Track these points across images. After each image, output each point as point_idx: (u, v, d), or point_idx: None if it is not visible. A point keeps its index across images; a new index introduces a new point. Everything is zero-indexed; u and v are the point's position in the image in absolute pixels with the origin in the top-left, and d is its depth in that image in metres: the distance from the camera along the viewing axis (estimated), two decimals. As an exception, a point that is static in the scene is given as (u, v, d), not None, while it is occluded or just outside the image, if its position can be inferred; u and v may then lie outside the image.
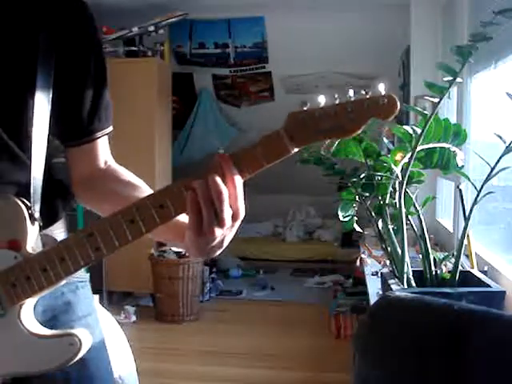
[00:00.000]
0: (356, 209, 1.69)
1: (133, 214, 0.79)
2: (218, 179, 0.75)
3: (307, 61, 4.70)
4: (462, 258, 1.63)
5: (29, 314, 0.86)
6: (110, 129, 1.07)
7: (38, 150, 0.93)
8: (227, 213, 0.76)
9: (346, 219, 1.66)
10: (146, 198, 0.81)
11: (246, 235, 5.55)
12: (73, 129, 1.02)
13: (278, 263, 5.54)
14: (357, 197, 1.66)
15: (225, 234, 0.80)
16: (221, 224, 0.77)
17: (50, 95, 0.94)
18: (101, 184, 1.04)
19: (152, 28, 4.10)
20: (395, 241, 1.62)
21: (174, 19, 4.16)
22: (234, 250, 5.33)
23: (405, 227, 1.58)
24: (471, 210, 1.57)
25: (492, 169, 1.49)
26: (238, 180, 0.77)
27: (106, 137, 1.06)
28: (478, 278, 1.63)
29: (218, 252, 0.84)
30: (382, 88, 0.75)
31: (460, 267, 1.60)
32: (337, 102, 0.76)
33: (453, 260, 1.62)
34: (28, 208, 0.88)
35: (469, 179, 1.58)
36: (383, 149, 2.01)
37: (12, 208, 0.87)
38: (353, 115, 0.74)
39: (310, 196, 5.81)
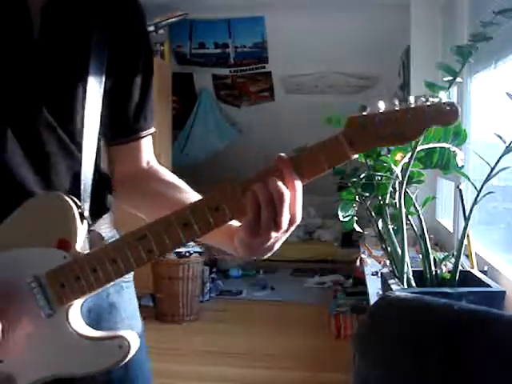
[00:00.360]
0: (356, 209, 1.69)
1: (187, 217, 0.78)
2: (280, 183, 0.75)
3: (307, 61, 4.70)
4: (462, 258, 1.63)
5: (76, 315, 0.86)
6: (153, 129, 1.07)
7: (88, 144, 0.94)
8: (286, 217, 0.76)
9: (346, 219, 1.66)
10: (200, 200, 0.80)
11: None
12: (119, 127, 1.02)
13: (277, 263, 5.53)
14: (357, 197, 1.66)
15: (279, 237, 0.79)
16: (277, 227, 0.76)
17: (102, 89, 0.94)
18: (143, 184, 1.04)
19: (152, 28, 4.10)
20: (395, 241, 1.62)
21: (174, 19, 4.16)
22: (233, 249, 5.33)
23: (405, 227, 1.58)
24: (471, 210, 1.57)
25: (492, 169, 1.49)
26: (298, 184, 0.76)
27: (150, 137, 1.06)
28: (478, 278, 1.63)
29: (268, 255, 0.83)
30: (443, 95, 0.75)
31: (460, 267, 1.60)
32: (397, 108, 0.74)
33: (453, 260, 1.62)
34: (78, 207, 0.87)
35: (469, 179, 1.58)
36: (383, 149, 2.01)
37: (62, 206, 0.86)
38: (413, 122, 0.73)
39: (310, 196, 5.81)
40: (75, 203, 0.87)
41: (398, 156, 1.55)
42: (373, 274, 2.32)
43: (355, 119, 0.75)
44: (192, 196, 0.97)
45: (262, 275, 5.26)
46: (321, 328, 3.85)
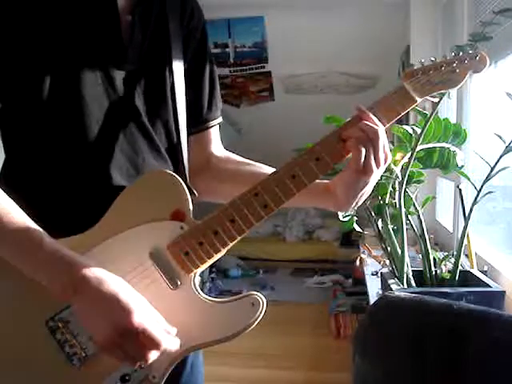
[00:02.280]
0: (356, 208, 1.68)
1: (294, 170, 0.86)
2: (371, 123, 0.86)
3: (307, 61, 4.70)
4: (462, 258, 1.63)
5: (198, 281, 0.86)
6: (221, 119, 1.11)
7: (183, 127, 0.99)
8: (382, 152, 0.86)
9: (346, 219, 1.66)
10: (301, 154, 0.88)
11: (246, 235, 5.54)
12: (193, 117, 1.05)
13: (277, 263, 5.54)
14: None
15: (375, 176, 0.88)
16: (378, 163, 0.87)
17: (183, 74, 0.99)
18: (221, 168, 1.08)
19: (152, 28, 4.10)
20: (395, 241, 1.62)
21: (173, 19, 4.16)
22: (233, 249, 5.31)
23: (405, 227, 1.58)
24: (471, 210, 1.57)
25: (492, 168, 1.49)
26: (381, 127, 0.87)
27: (218, 126, 1.11)
28: (478, 278, 1.63)
29: (363, 199, 0.94)
30: (470, 47, 1.00)
31: (460, 267, 1.60)
32: (443, 60, 0.92)
33: (453, 260, 1.62)
34: (184, 180, 0.91)
35: (469, 179, 1.58)
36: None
37: (170, 181, 0.88)
38: (457, 69, 0.91)
39: (310, 196, 5.80)
40: (181, 177, 0.89)
41: (398, 156, 1.55)
42: (372, 274, 2.32)
43: (410, 71, 0.91)
44: (269, 169, 1.01)
45: (261, 275, 5.26)
46: (320, 328, 3.85)
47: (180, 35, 0.99)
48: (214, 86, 1.08)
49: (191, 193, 0.92)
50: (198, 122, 1.06)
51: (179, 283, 0.84)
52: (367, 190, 0.91)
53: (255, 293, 0.85)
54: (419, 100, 0.90)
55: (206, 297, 0.85)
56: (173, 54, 0.96)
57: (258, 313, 0.84)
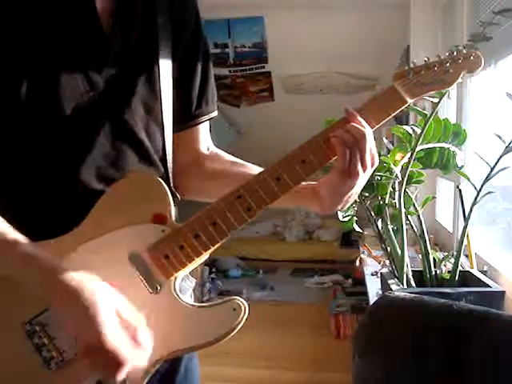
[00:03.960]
0: (356, 209, 1.69)
1: (278, 172, 0.85)
2: (357, 125, 0.85)
3: (307, 61, 4.70)
4: (462, 258, 1.63)
5: (179, 286, 0.85)
6: (215, 113, 1.08)
7: (168, 126, 0.96)
8: (368, 154, 0.85)
9: (346, 219, 1.66)
10: (287, 156, 0.86)
11: (246, 235, 5.55)
12: (182, 113, 1.02)
13: (277, 263, 5.54)
14: (356, 197, 1.66)
15: (362, 179, 0.87)
16: (364, 165, 0.85)
17: (171, 71, 0.96)
18: (207, 166, 1.06)
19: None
20: (395, 241, 1.62)
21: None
22: (233, 249, 5.33)
23: (404, 227, 1.58)
24: (471, 210, 1.56)
25: (492, 169, 1.49)
26: (369, 129, 0.86)
27: (208, 122, 1.08)
28: (478, 278, 1.63)
29: (350, 203, 0.92)
30: (470, 47, 0.95)
31: (460, 267, 1.60)
32: (435, 60, 0.91)
33: (452, 260, 1.62)
34: (167, 183, 0.89)
35: (468, 179, 1.58)
36: (383, 149, 2.02)
37: (152, 183, 0.87)
38: (450, 69, 0.89)
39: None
40: (164, 180, 0.88)
41: (398, 156, 1.55)
42: (372, 274, 2.32)
43: (401, 72, 0.89)
44: (257, 169, 0.99)
45: (261, 275, 5.26)
46: (320, 328, 3.85)
47: (168, 31, 0.95)
48: (207, 81, 1.04)
49: (174, 195, 0.90)
50: (186, 119, 1.03)
51: (158, 288, 0.82)
52: (353, 193, 0.89)
53: (237, 298, 0.83)
54: (410, 101, 0.89)
55: (187, 301, 0.83)
56: (160, 51, 0.93)
57: (240, 318, 0.82)
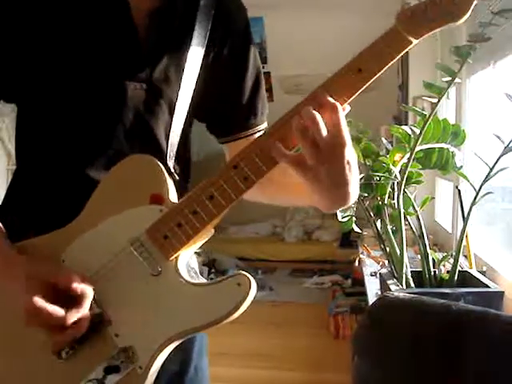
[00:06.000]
0: (355, 209, 1.69)
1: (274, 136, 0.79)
2: (310, 108, 0.76)
3: (306, 61, 4.70)
4: (461, 259, 1.63)
5: (183, 267, 0.83)
6: (265, 125, 1.08)
7: (180, 111, 0.96)
8: (325, 138, 0.74)
9: (345, 219, 1.66)
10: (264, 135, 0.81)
11: (245, 235, 5.54)
12: (228, 123, 1.04)
13: (276, 263, 5.54)
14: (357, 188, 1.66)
15: (339, 164, 0.75)
16: (322, 151, 0.74)
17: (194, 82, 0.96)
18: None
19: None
20: (394, 241, 1.62)
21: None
22: (232, 250, 5.32)
23: (403, 227, 1.58)
24: (470, 211, 1.57)
25: (491, 169, 1.49)
26: (332, 104, 0.77)
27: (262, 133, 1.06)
28: (477, 279, 1.63)
29: (351, 190, 0.78)
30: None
31: (459, 267, 1.60)
32: None
33: (451, 260, 1.62)
34: (164, 163, 0.88)
35: (467, 180, 1.58)
36: (382, 149, 2.02)
37: (148, 164, 0.86)
38: (457, 1, 0.76)
39: (309, 196, 5.80)
40: (160, 160, 0.87)
41: (397, 156, 1.55)
42: (371, 275, 2.32)
43: (404, 11, 0.78)
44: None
45: (260, 275, 5.25)
46: (320, 328, 3.85)
47: (202, 40, 0.96)
48: (257, 93, 1.06)
49: (170, 174, 0.90)
50: (232, 129, 1.04)
51: (160, 269, 0.81)
52: (337, 176, 0.76)
53: (243, 272, 0.79)
54: (415, 41, 0.78)
55: (191, 280, 0.81)
56: (188, 55, 0.94)
57: (245, 293, 0.77)
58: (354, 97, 0.80)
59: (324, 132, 0.74)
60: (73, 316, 0.77)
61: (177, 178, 0.96)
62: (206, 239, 0.86)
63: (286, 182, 0.91)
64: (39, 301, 0.75)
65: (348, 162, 0.75)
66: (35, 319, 0.76)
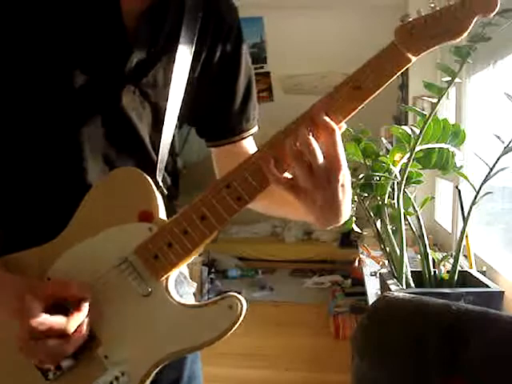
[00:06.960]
0: (355, 209, 1.69)
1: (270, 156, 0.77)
2: (305, 132, 0.73)
3: (306, 61, 4.71)
4: (461, 259, 1.63)
5: (172, 288, 0.80)
6: (256, 129, 1.05)
7: (169, 123, 0.94)
8: (320, 164, 0.72)
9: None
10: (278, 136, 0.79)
11: (245, 235, 5.54)
12: (220, 128, 1.02)
13: (276, 263, 5.54)
14: (355, 197, 1.66)
15: (333, 188, 0.74)
16: (316, 176, 0.72)
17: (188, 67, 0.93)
18: None
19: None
20: (394, 241, 1.62)
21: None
22: (232, 250, 5.33)
23: (403, 227, 1.58)
24: (470, 211, 1.56)
25: (491, 169, 1.49)
26: (329, 125, 0.74)
27: (252, 137, 1.05)
28: (477, 279, 1.63)
29: (343, 210, 0.78)
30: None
31: (459, 267, 1.60)
32: (438, 8, 0.77)
33: (451, 260, 1.62)
34: (152, 177, 0.84)
35: (467, 179, 1.58)
36: (382, 149, 2.02)
37: (136, 178, 0.82)
38: (458, 15, 0.74)
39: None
40: (148, 174, 0.83)
41: (397, 156, 1.55)
42: (371, 275, 2.32)
43: (403, 26, 0.78)
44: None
45: (260, 275, 5.26)
46: (320, 328, 3.85)
47: (191, 41, 0.93)
48: (248, 97, 1.03)
49: (159, 187, 0.86)
50: (223, 134, 1.02)
51: (150, 289, 0.78)
52: (331, 200, 0.75)
53: (234, 294, 0.77)
54: (414, 59, 0.77)
55: (181, 301, 0.79)
56: (177, 58, 0.91)
57: (236, 317, 0.76)
58: (350, 116, 0.77)
59: (320, 159, 0.72)
60: (75, 321, 0.74)
61: (165, 192, 0.93)
62: (195, 256, 0.83)
63: (282, 196, 0.91)
64: (37, 319, 0.72)
65: (342, 185, 0.74)
66: (36, 342, 0.73)
